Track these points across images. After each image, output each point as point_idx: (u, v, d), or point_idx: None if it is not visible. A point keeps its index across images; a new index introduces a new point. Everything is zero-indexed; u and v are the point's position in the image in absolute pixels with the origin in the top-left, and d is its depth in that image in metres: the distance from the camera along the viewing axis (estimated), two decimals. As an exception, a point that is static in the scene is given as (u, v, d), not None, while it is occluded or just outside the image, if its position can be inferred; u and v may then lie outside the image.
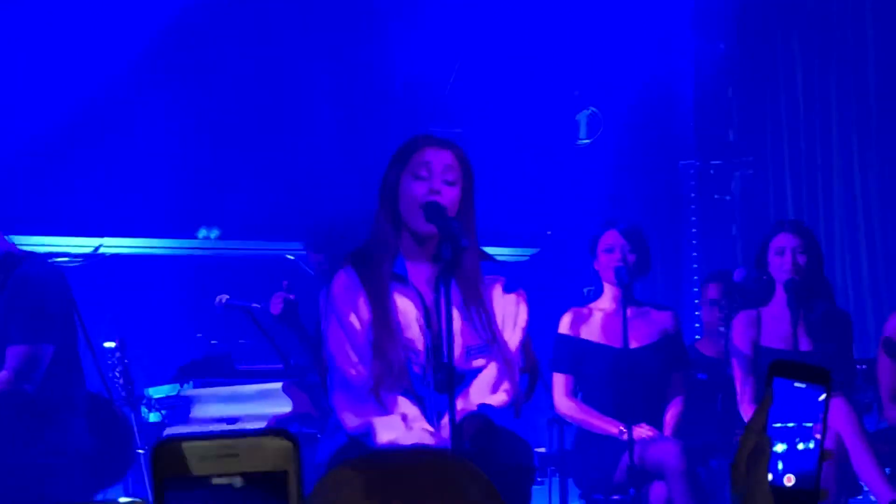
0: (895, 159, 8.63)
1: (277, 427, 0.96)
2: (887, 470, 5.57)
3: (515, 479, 3.84)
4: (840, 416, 5.45)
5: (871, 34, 8.73)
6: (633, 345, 5.67)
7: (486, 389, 3.98)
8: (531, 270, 8.58)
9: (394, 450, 1.37)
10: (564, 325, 5.88)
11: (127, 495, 5.80)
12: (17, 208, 7.74)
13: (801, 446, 1.75)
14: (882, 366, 5.82)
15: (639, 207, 8.68)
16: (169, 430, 6.30)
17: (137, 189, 8.26)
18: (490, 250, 4.30)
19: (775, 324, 5.69)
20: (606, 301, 5.87)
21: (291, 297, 5.97)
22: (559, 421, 5.86)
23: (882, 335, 5.87)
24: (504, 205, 8.44)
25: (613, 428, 5.62)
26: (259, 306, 6.35)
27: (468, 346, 3.96)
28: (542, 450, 5.97)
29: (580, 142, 9.19)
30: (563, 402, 5.83)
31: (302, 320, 5.97)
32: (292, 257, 7.47)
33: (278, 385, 6.25)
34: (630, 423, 5.41)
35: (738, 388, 5.72)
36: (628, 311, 5.51)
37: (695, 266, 8.98)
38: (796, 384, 1.75)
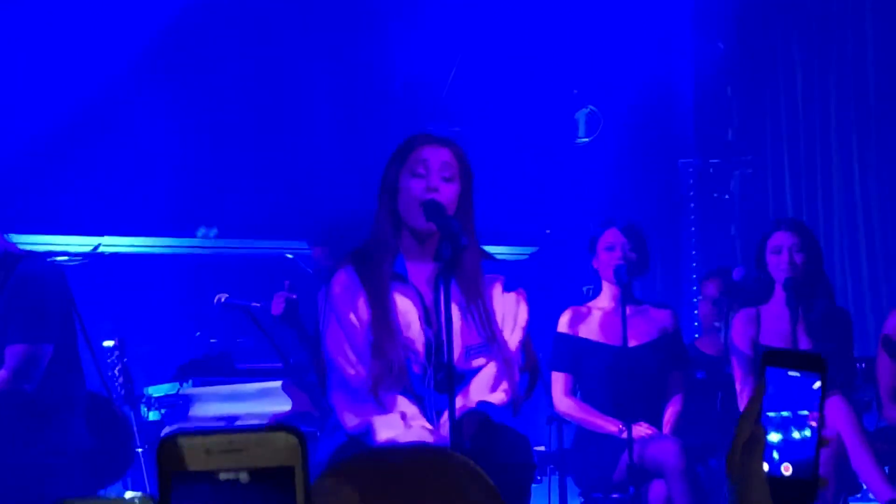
0: (895, 158, 8.64)
1: (284, 422, 0.96)
2: (886, 469, 5.57)
3: (515, 476, 3.83)
4: (839, 414, 5.45)
5: (870, 34, 8.73)
6: (633, 343, 5.67)
7: (485, 388, 3.98)
8: (530, 269, 8.58)
9: (393, 448, 1.38)
10: (563, 324, 5.88)
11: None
12: (16, 207, 7.74)
13: (797, 435, 1.74)
14: (881, 364, 5.82)
15: (638, 206, 8.68)
16: (168, 429, 6.30)
17: (137, 188, 8.27)
18: (489, 249, 4.30)
19: (775, 322, 5.69)
20: (605, 300, 5.87)
21: (293, 296, 5.97)
22: (558, 419, 5.86)
23: (881, 333, 5.87)
24: (503, 204, 8.44)
25: (613, 426, 5.62)
26: (258, 305, 6.35)
27: (468, 346, 3.96)
28: (542, 448, 5.97)
29: (579, 140, 9.19)
30: (563, 401, 5.83)
31: (302, 320, 5.97)
32: (291, 256, 7.47)
33: (278, 384, 6.25)
34: (629, 422, 5.41)
35: (738, 387, 5.72)
36: (627, 310, 5.51)
37: (694, 265, 8.99)
38: (790, 373, 1.74)
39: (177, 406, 6.45)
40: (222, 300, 6.48)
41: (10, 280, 4.74)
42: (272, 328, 6.28)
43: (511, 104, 8.99)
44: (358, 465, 1.29)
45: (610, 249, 5.77)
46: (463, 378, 3.96)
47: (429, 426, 3.86)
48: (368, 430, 3.87)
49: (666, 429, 5.73)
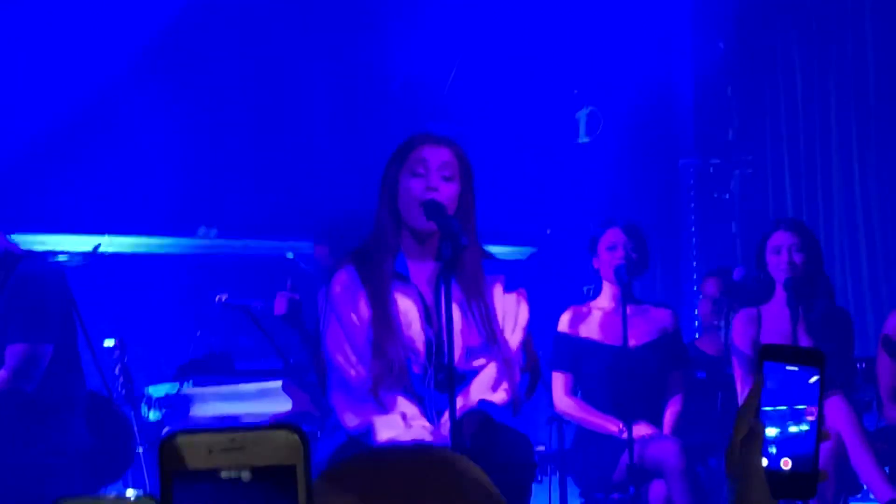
0: (895, 158, 8.64)
1: (286, 421, 0.95)
2: (887, 469, 5.57)
3: (516, 475, 3.83)
4: (839, 414, 5.45)
5: (870, 34, 8.73)
6: (633, 343, 5.67)
7: (485, 389, 3.97)
8: (530, 269, 8.58)
9: (393, 448, 1.37)
10: (563, 324, 5.88)
11: (127, 493, 5.78)
12: (16, 207, 7.74)
13: (796, 429, 1.73)
14: (882, 364, 5.82)
15: (638, 206, 8.69)
16: (169, 429, 6.30)
17: (137, 188, 8.27)
18: (489, 249, 4.30)
19: (775, 322, 5.69)
20: (606, 299, 5.87)
21: (296, 296, 5.96)
22: (559, 419, 5.86)
23: (881, 333, 5.87)
24: (503, 203, 8.44)
25: (613, 426, 5.62)
26: (259, 305, 6.35)
27: (468, 346, 3.96)
28: (542, 448, 5.97)
29: (580, 140, 9.19)
30: (563, 401, 5.83)
31: (304, 320, 5.97)
32: (291, 256, 7.47)
33: (278, 384, 6.25)
34: (629, 422, 5.40)
35: (738, 387, 5.72)
36: (627, 310, 5.51)
37: (694, 265, 9.00)
38: (788, 367, 1.74)
39: (177, 406, 6.45)
40: (222, 300, 6.48)
41: (10, 280, 4.74)
42: (272, 328, 6.28)
43: (511, 104, 9.00)
44: (358, 464, 1.29)
45: (612, 249, 5.77)
46: (463, 378, 3.96)
47: (429, 426, 3.86)
48: (369, 431, 3.87)
49: (666, 429, 5.73)
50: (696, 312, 8.09)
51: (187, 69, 8.49)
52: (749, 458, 1.70)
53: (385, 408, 3.87)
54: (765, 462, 1.71)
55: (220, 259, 8.44)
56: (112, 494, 0.96)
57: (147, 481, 5.88)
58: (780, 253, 5.65)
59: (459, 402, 3.85)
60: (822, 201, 8.87)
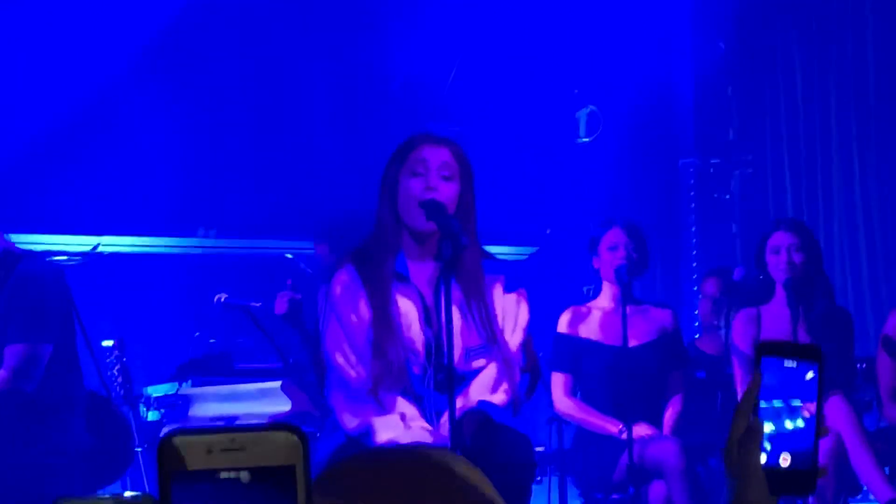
0: (894, 158, 8.63)
1: (285, 421, 0.95)
2: (887, 469, 5.57)
3: (516, 475, 3.83)
4: (840, 414, 5.45)
5: (870, 34, 8.73)
6: (633, 343, 5.67)
7: (485, 389, 3.97)
8: (530, 269, 8.58)
9: (393, 448, 1.37)
10: (563, 324, 5.87)
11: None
12: (16, 207, 7.74)
13: (795, 425, 1.73)
14: (882, 364, 5.82)
15: (638, 206, 8.69)
16: (168, 429, 6.29)
17: (136, 188, 8.27)
18: (489, 249, 4.29)
19: (775, 322, 5.69)
20: (605, 299, 5.86)
21: (297, 296, 5.96)
22: (558, 420, 5.86)
23: (881, 333, 5.87)
24: (503, 203, 8.44)
25: (613, 427, 5.61)
26: (258, 305, 6.34)
27: (468, 347, 3.95)
28: (542, 449, 5.97)
29: (580, 140, 9.19)
30: (563, 401, 5.82)
31: (305, 320, 5.97)
32: (291, 256, 7.46)
33: (277, 384, 6.25)
34: (629, 422, 5.40)
35: (738, 387, 5.72)
36: (627, 310, 5.50)
37: (694, 265, 9.00)
38: (786, 363, 1.73)
39: (176, 406, 6.45)
40: (222, 300, 6.48)
41: (9, 280, 4.74)
42: (272, 328, 6.27)
43: (511, 104, 9.00)
44: (358, 464, 1.29)
45: (613, 249, 5.76)
46: (463, 379, 3.95)
47: (428, 427, 3.86)
48: (368, 431, 3.86)
49: (666, 429, 5.72)
50: (696, 312, 8.09)
51: (187, 69, 8.49)
52: (747, 455, 1.70)
53: (384, 408, 3.87)
54: (764, 458, 1.71)
55: (220, 259, 8.44)
56: (111, 494, 0.95)
57: (146, 481, 5.87)
58: (780, 253, 5.65)
59: (459, 402, 3.85)
60: (822, 201, 8.87)
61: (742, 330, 5.74)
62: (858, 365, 5.96)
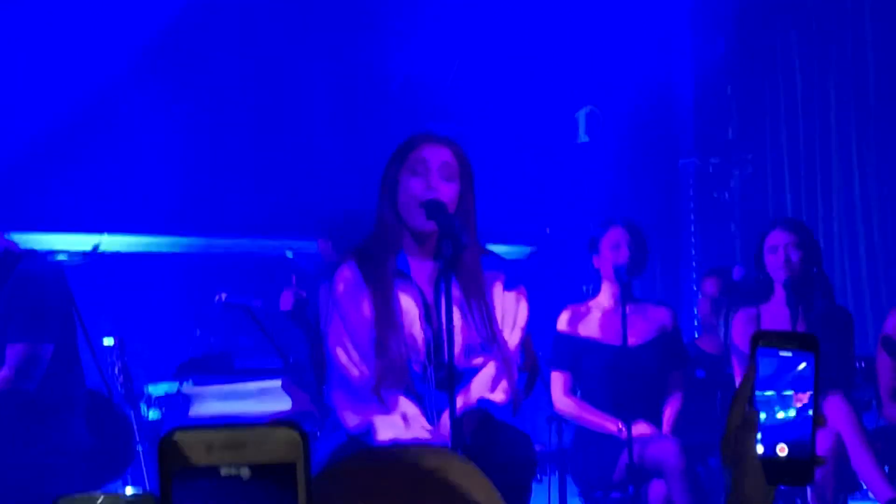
0: (894, 158, 8.63)
1: (286, 419, 0.95)
2: (886, 468, 5.57)
3: (516, 473, 3.83)
4: (839, 414, 5.45)
5: (870, 34, 8.73)
6: (632, 342, 5.67)
7: (484, 388, 3.97)
8: (530, 269, 8.58)
9: (393, 446, 1.37)
10: (563, 323, 5.88)
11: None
12: (16, 206, 7.74)
13: (792, 415, 1.73)
14: (881, 363, 5.82)
15: (638, 205, 8.69)
16: (168, 427, 6.29)
17: (137, 187, 8.27)
18: (489, 248, 4.29)
19: (775, 321, 5.69)
20: (605, 298, 5.86)
21: (303, 293, 5.95)
22: (558, 419, 5.86)
23: (881, 333, 5.87)
24: (503, 203, 8.44)
25: (612, 425, 5.62)
26: (259, 304, 6.35)
27: (468, 345, 3.95)
28: (541, 447, 5.97)
29: (579, 140, 9.19)
30: (562, 400, 5.83)
31: (309, 317, 5.97)
32: (290, 255, 7.46)
33: (277, 383, 6.25)
34: (629, 421, 5.40)
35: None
36: (627, 309, 5.51)
37: (694, 264, 9.00)
38: (782, 353, 1.73)
39: (177, 405, 6.45)
40: (222, 299, 6.48)
41: (10, 279, 4.74)
42: (272, 327, 6.28)
43: (511, 104, 9.00)
44: (358, 463, 1.29)
45: (615, 248, 5.76)
46: (463, 377, 3.95)
47: (429, 427, 3.86)
48: (369, 430, 3.87)
49: (665, 428, 5.72)
50: (695, 312, 8.09)
51: (187, 69, 8.49)
52: (744, 446, 1.70)
53: (387, 407, 3.87)
54: (761, 449, 1.71)
55: (220, 258, 8.44)
56: (111, 493, 0.96)
57: (147, 480, 5.88)
58: (777, 252, 5.65)
59: (459, 400, 3.85)
60: (822, 201, 8.87)
61: (742, 329, 5.74)
62: (858, 364, 5.96)
